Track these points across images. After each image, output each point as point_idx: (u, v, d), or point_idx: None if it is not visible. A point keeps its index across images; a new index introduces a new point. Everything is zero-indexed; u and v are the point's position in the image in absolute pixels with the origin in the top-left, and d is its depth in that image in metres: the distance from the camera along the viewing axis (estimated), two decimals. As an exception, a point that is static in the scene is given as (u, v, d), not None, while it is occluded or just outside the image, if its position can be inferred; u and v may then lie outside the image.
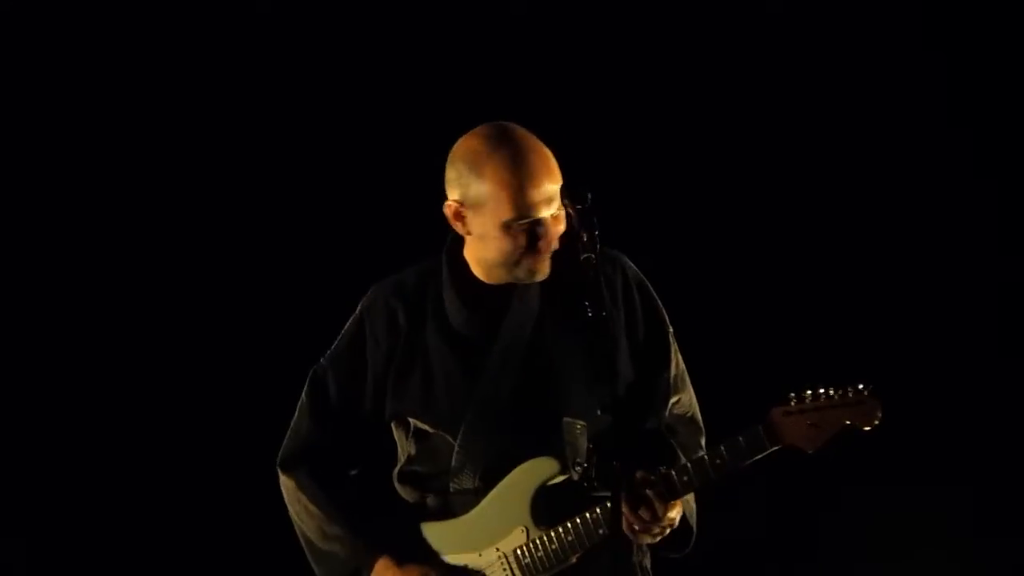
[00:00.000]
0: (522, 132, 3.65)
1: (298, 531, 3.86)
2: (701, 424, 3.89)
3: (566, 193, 3.51)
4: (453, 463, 3.72)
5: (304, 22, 5.37)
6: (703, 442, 3.87)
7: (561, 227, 3.65)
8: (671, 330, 3.86)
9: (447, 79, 5.31)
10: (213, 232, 5.45)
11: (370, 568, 3.77)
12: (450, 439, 3.73)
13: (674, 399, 3.84)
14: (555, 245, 3.67)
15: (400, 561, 3.76)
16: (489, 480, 3.71)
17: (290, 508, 3.87)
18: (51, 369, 5.43)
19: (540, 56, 5.30)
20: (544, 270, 3.70)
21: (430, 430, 3.76)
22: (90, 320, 5.44)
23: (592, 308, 3.44)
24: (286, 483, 3.86)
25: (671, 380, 3.83)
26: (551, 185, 3.61)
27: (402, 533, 3.79)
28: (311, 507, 3.81)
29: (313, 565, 3.85)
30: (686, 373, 3.88)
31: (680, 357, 3.87)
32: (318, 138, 5.40)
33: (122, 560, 5.43)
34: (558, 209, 3.63)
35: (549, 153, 3.63)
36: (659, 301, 3.86)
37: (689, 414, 3.88)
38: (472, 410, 3.71)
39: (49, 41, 5.35)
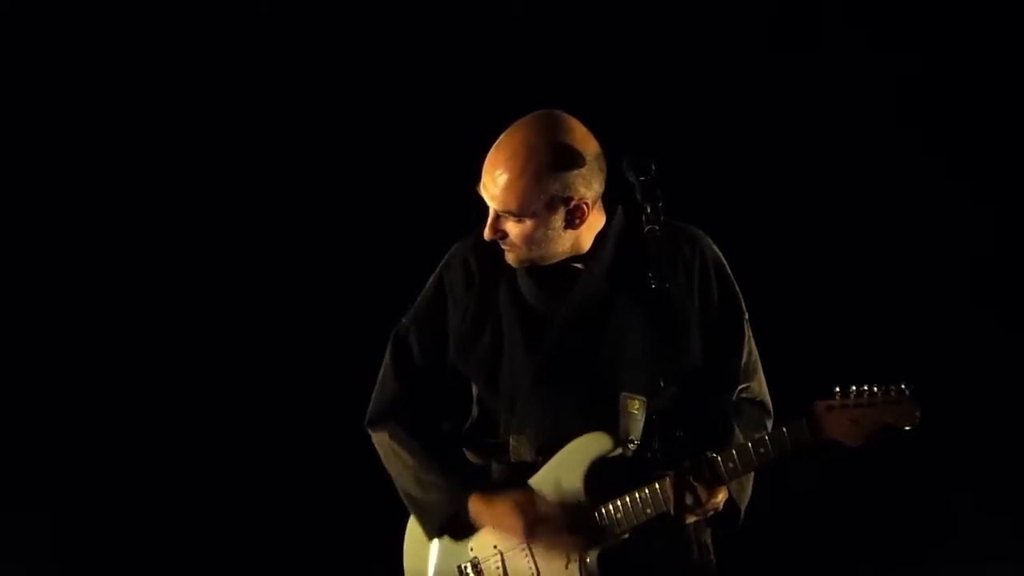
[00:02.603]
0: (528, 127, 3.70)
1: (399, 489, 3.93)
2: (770, 409, 3.90)
3: (629, 164, 3.53)
4: (511, 436, 3.82)
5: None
6: (769, 424, 3.87)
7: (510, 229, 3.71)
8: (746, 316, 3.88)
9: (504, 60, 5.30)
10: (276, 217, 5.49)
11: (465, 508, 3.82)
12: (507, 411, 3.82)
13: (742, 385, 3.87)
14: (506, 241, 3.73)
15: (491, 495, 3.81)
16: (546, 453, 3.78)
17: (387, 466, 3.94)
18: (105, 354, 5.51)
19: (612, 27, 5.29)
20: (508, 258, 3.79)
21: (489, 400, 3.87)
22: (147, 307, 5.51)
23: (656, 280, 3.50)
24: (379, 440, 3.95)
25: (741, 367, 3.85)
26: (489, 180, 3.70)
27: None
28: (405, 456, 3.88)
29: (416, 517, 3.91)
30: (759, 362, 3.90)
31: (753, 345, 3.88)
32: (369, 120, 5.42)
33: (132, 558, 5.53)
34: (503, 211, 3.71)
35: (520, 161, 3.65)
36: (736, 286, 3.87)
37: (758, 399, 3.90)
38: (528, 384, 3.79)
39: (49, 41, 5.35)
